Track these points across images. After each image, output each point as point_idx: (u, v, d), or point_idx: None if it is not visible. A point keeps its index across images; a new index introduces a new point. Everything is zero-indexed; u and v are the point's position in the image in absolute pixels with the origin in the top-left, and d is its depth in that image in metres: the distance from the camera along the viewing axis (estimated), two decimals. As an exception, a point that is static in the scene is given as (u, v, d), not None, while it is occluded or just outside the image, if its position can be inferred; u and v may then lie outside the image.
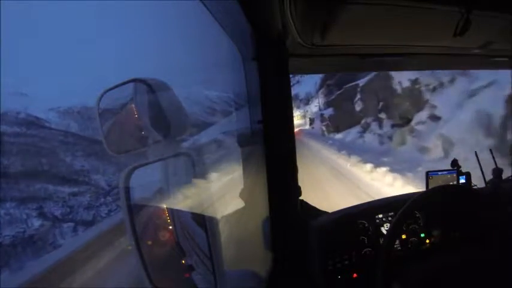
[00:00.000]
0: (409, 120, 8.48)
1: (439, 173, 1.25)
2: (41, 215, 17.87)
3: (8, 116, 23.33)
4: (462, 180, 1.26)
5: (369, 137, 11.24)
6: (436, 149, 6.70)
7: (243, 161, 1.13)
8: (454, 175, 1.25)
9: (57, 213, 18.34)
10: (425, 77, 8.00)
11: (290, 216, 0.96)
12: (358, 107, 12.67)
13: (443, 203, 0.96)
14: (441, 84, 7.56)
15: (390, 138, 9.40)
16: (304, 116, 31.73)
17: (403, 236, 0.99)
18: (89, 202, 19.45)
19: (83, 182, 21.14)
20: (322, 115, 19.04)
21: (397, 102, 9.22)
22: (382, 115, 10.32)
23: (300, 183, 1.00)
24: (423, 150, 7.14)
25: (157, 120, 0.60)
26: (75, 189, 20.18)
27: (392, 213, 1.03)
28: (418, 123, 7.99)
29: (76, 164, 22.03)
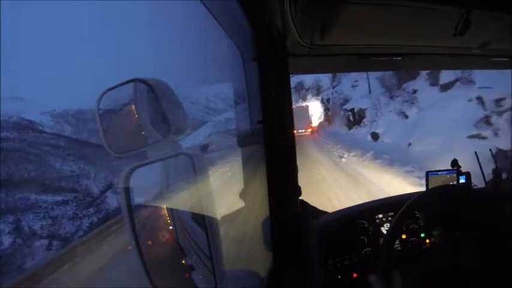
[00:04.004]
0: None
1: (439, 173, 1.25)
2: (16, 230, 15.85)
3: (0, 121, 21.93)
4: (462, 180, 1.26)
5: None
6: None
7: (243, 161, 1.13)
8: (454, 175, 1.25)
9: (36, 226, 16.38)
10: None
11: (290, 216, 0.96)
12: None
13: (443, 203, 0.96)
14: None
15: None
16: (324, 110, 20.51)
17: (403, 236, 0.99)
18: (74, 212, 17.69)
19: (70, 189, 19.58)
20: None
21: None
22: None
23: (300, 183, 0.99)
24: None
25: (157, 120, 0.60)
26: (60, 198, 18.48)
27: (392, 213, 1.03)
28: None
29: (65, 169, 20.59)
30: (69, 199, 18.86)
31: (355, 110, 13.20)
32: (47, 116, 24.60)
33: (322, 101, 21.72)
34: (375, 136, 10.10)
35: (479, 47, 1.04)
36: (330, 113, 18.60)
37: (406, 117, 9.30)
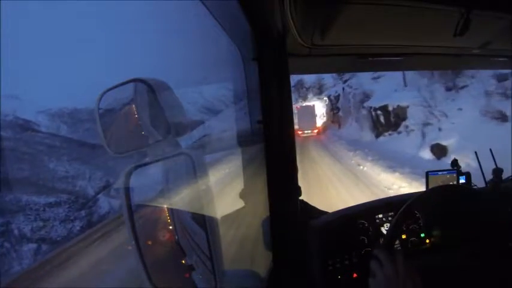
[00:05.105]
0: None
1: (439, 173, 1.25)
2: (5, 233, 14.88)
3: (-5, 120, 21.75)
4: (462, 180, 1.26)
5: None
6: None
7: (243, 161, 1.13)
8: (454, 175, 1.25)
9: (27, 229, 15.44)
10: None
11: (290, 216, 0.96)
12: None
13: (443, 203, 0.96)
14: None
15: None
16: (332, 110, 17.55)
17: (403, 236, 0.99)
18: (66, 214, 16.79)
19: (64, 190, 18.59)
20: None
21: None
22: None
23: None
24: None
25: (157, 120, 0.60)
26: (52, 199, 17.52)
27: (392, 213, 1.03)
28: None
29: (60, 169, 19.54)
30: (62, 201, 18.12)
31: (389, 109, 9.28)
32: (43, 115, 24.03)
33: (329, 99, 18.85)
34: (441, 151, 6.08)
35: (479, 47, 1.04)
36: (340, 113, 15.62)
37: (505, 119, 5.78)
